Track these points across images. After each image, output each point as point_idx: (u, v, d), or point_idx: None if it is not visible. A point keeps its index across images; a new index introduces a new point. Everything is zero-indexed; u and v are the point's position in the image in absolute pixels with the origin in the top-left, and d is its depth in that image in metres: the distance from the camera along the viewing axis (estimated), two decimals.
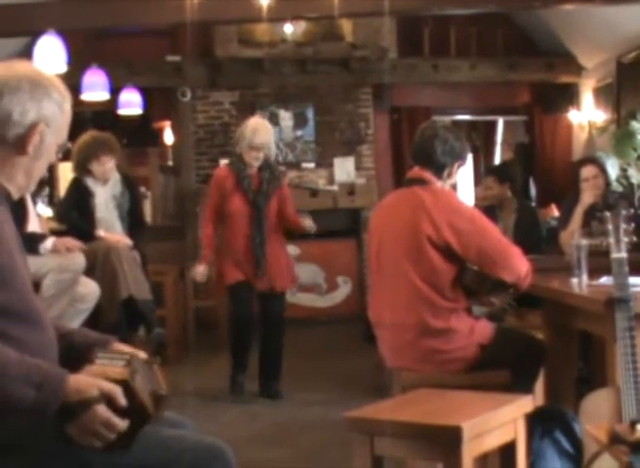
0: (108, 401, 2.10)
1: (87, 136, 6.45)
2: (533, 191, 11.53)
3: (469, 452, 2.83)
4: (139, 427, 2.17)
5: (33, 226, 5.63)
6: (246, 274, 6.20)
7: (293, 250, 9.98)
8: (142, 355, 2.38)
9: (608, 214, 3.43)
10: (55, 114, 2.31)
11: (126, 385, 2.14)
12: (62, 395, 2.06)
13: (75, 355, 2.36)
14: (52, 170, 10.27)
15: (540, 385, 4.23)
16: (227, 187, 6.25)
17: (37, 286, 5.28)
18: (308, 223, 6.33)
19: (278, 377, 6.37)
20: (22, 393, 2.02)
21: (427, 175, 3.99)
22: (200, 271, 6.33)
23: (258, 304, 6.29)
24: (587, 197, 5.82)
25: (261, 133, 6.23)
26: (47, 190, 10.38)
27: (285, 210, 6.36)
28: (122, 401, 2.12)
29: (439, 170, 4.00)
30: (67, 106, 2.36)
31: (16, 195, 2.34)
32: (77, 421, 2.08)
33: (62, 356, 2.33)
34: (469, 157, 13.41)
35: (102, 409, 2.09)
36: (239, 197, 6.22)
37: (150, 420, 2.20)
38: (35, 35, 7.16)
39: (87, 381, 2.12)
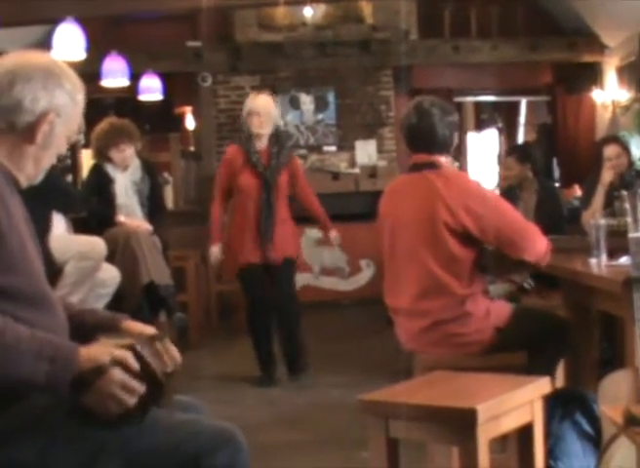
0: (121, 366, 2.12)
1: (105, 124, 6.46)
2: (556, 172, 11.46)
3: (484, 435, 2.81)
4: (150, 397, 2.18)
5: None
6: (256, 252, 6.20)
7: (315, 233, 9.96)
8: (150, 330, 2.41)
9: (625, 192, 3.39)
10: (66, 104, 2.32)
11: (134, 350, 2.16)
12: (75, 366, 2.08)
13: (85, 334, 2.38)
14: (75, 157, 10.31)
15: (560, 367, 4.20)
16: (237, 165, 6.28)
17: (59, 272, 5.31)
18: (334, 235, 6.47)
19: (296, 352, 6.38)
20: (36, 368, 2.04)
21: (435, 157, 3.92)
22: (213, 252, 6.35)
23: (269, 279, 6.29)
24: (607, 176, 5.76)
25: (259, 99, 6.33)
26: (70, 177, 10.44)
27: (297, 184, 6.42)
28: (134, 364, 2.14)
29: (445, 148, 3.95)
30: (80, 97, 2.36)
31: (24, 184, 2.35)
32: (93, 389, 2.10)
33: (73, 335, 2.35)
34: (494, 138, 13.36)
35: (118, 372, 2.11)
36: (249, 172, 6.24)
37: (161, 390, 2.21)
38: (54, 23, 7.17)
39: (98, 349, 2.16)
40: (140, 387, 2.14)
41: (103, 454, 2.18)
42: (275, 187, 6.23)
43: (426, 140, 3.92)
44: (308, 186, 6.54)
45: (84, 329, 2.44)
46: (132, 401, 2.13)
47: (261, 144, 6.30)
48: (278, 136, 6.40)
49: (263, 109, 6.26)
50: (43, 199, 4.78)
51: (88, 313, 2.53)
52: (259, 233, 6.21)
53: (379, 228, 4.11)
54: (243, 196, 6.27)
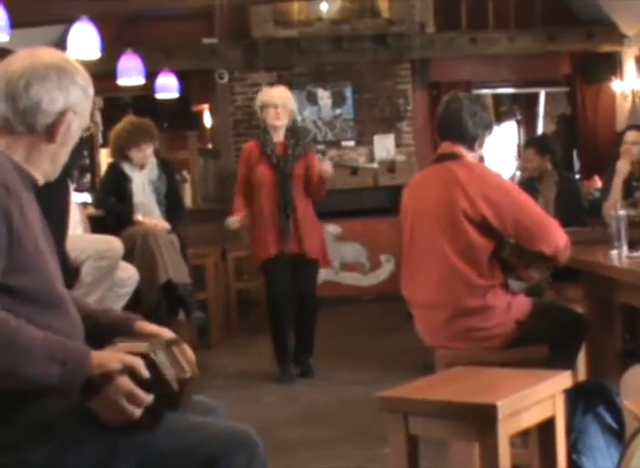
0: (131, 374, 2.10)
1: (126, 123, 6.44)
2: (577, 163, 11.39)
3: (505, 431, 2.77)
4: (163, 404, 2.16)
5: (73, 214, 5.63)
6: (277, 245, 6.18)
7: (334, 229, 9.96)
8: (167, 334, 2.37)
9: None
10: (81, 100, 2.32)
11: (147, 358, 2.13)
12: (86, 370, 2.07)
13: (99, 335, 2.37)
14: (93, 156, 10.34)
15: (582, 360, 4.16)
16: (254, 158, 6.29)
17: (77, 272, 5.31)
18: (325, 167, 6.25)
19: (310, 353, 6.38)
20: (47, 370, 2.03)
21: (459, 149, 3.92)
22: (232, 219, 6.31)
23: (289, 274, 6.26)
24: (623, 165, 5.72)
25: (274, 90, 6.33)
26: (88, 177, 10.49)
27: (312, 178, 6.34)
28: (144, 372, 2.11)
29: (471, 142, 3.93)
30: (91, 90, 2.36)
31: (41, 181, 2.34)
32: (100, 395, 2.08)
33: (87, 335, 2.34)
34: (513, 130, 13.29)
35: (125, 381, 2.09)
36: (264, 164, 6.24)
37: (175, 397, 2.18)
38: (69, 23, 7.17)
39: (109, 355, 2.14)
40: (148, 398, 2.11)
41: (118, 457, 2.16)
42: (290, 179, 6.20)
43: (451, 127, 3.94)
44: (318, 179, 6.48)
45: (97, 329, 2.41)
46: (137, 412, 2.11)
47: (278, 137, 6.28)
48: (296, 130, 6.38)
49: (280, 100, 6.23)
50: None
51: (101, 313, 2.50)
52: (277, 225, 6.19)
53: (400, 221, 4.10)
54: (259, 188, 6.26)
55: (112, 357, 2.12)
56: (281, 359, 6.31)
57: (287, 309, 6.26)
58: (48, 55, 2.30)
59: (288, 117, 6.29)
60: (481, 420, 2.77)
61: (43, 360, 2.03)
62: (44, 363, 2.03)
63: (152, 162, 6.46)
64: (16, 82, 2.23)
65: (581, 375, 4.19)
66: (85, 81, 2.33)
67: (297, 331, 6.36)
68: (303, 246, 6.22)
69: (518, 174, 10.18)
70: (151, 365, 2.13)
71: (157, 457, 2.17)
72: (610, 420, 3.62)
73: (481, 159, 4.21)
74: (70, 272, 5.04)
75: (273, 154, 6.22)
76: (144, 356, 2.14)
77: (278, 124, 6.25)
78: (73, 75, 2.29)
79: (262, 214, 6.24)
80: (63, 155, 2.35)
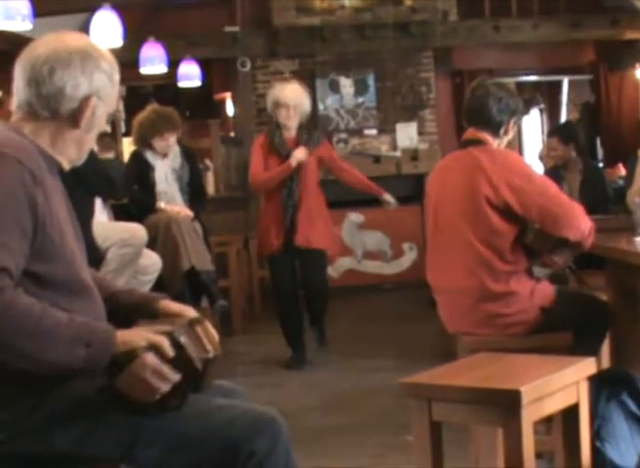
0: (156, 352, 2.11)
1: (149, 112, 6.44)
2: (600, 151, 11.32)
3: (529, 417, 2.76)
4: (189, 384, 2.17)
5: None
6: (280, 240, 6.18)
7: (357, 217, 9.94)
8: (191, 313, 2.38)
9: None
10: (105, 85, 2.31)
11: (172, 337, 2.14)
12: (112, 350, 2.08)
13: (121, 315, 2.39)
14: (116, 145, 10.35)
15: (605, 348, 4.14)
16: (265, 152, 6.24)
17: (101, 259, 5.33)
18: (388, 198, 6.49)
19: (322, 322, 6.53)
20: (73, 352, 2.05)
21: (484, 135, 3.91)
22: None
23: (295, 267, 6.29)
24: None
25: (287, 90, 6.24)
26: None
27: (333, 166, 6.43)
28: (169, 351, 2.12)
29: (496, 129, 3.92)
30: (116, 76, 2.36)
31: (67, 166, 2.35)
32: (127, 371, 2.10)
33: (110, 315, 2.35)
34: (536, 118, 13.19)
35: (151, 357, 2.10)
36: (274, 159, 6.20)
37: (198, 377, 2.19)
38: (92, 11, 7.18)
39: (134, 333, 2.16)
40: (174, 375, 2.12)
41: (142, 441, 2.18)
42: (300, 174, 6.16)
43: (476, 113, 3.93)
44: (344, 163, 6.55)
45: (119, 309, 2.43)
46: (164, 387, 2.12)
47: (290, 134, 6.25)
48: (307, 125, 6.35)
49: (292, 101, 6.18)
50: (84, 185, 4.81)
51: (124, 293, 2.51)
52: (281, 220, 6.19)
53: (425, 206, 4.11)
54: None
55: (137, 335, 2.14)
56: (293, 346, 6.37)
57: (294, 301, 6.31)
58: (73, 40, 2.30)
59: (299, 116, 6.24)
60: (505, 406, 2.76)
61: (68, 343, 2.05)
62: (69, 346, 2.05)
63: (175, 150, 6.47)
64: (40, 67, 2.23)
65: (605, 363, 4.16)
66: (110, 67, 2.32)
67: (309, 316, 6.48)
68: (309, 237, 6.20)
69: (541, 164, 10.14)
70: (176, 344, 2.14)
71: (181, 440, 2.19)
72: (634, 408, 3.60)
73: (508, 146, 4.18)
74: (96, 259, 5.07)
75: (283, 149, 6.17)
76: (169, 335, 2.15)
77: (289, 123, 6.21)
78: (98, 60, 2.29)
79: (268, 209, 6.28)
80: (89, 141, 2.36)
